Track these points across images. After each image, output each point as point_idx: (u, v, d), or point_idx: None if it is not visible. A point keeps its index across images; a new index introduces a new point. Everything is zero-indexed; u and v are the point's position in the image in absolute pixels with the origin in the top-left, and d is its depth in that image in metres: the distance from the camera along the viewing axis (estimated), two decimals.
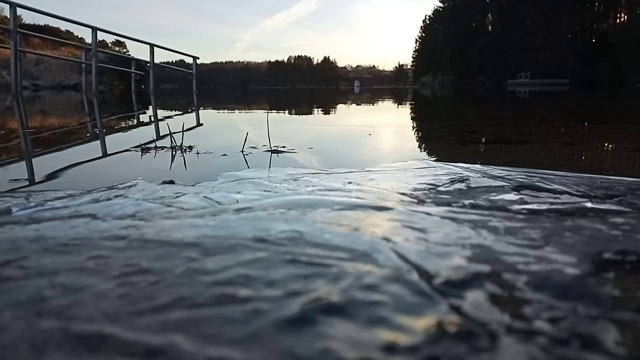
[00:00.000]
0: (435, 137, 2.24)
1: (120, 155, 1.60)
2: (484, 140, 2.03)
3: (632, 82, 22.87)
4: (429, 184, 0.97)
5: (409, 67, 68.88)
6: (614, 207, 0.65)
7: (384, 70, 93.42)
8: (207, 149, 1.68)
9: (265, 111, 4.59)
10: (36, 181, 1.14)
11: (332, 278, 0.37)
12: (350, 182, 1.02)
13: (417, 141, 2.19)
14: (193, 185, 0.99)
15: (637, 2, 31.63)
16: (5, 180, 1.12)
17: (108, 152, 1.71)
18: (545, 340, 0.27)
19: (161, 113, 4.27)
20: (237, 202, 0.78)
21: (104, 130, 2.59)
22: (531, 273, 0.38)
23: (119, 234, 0.48)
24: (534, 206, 0.71)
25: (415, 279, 0.37)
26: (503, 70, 37.02)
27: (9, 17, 7.20)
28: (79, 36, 28.69)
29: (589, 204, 0.68)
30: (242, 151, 1.62)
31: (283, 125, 2.86)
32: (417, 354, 0.26)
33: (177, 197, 0.84)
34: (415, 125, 3.21)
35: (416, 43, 57.86)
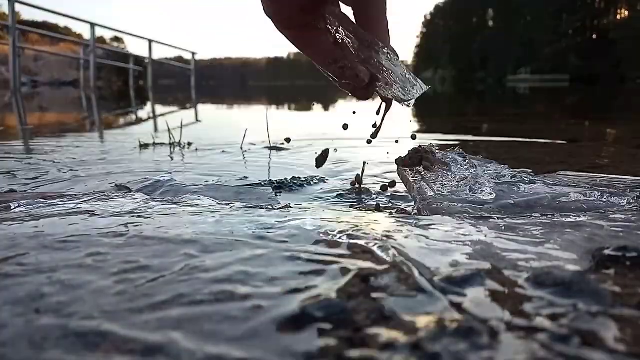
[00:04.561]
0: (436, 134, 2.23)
1: (118, 152, 1.60)
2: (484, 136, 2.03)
3: (633, 78, 22.82)
4: None
5: (409, 63, 68.73)
6: (615, 204, 0.65)
7: None
8: (206, 145, 1.68)
9: (264, 106, 4.58)
10: (34, 178, 1.13)
11: (333, 275, 0.37)
12: (349, 180, 1.02)
13: (418, 137, 2.18)
14: (192, 182, 0.99)
15: None
16: (4, 177, 1.12)
17: (106, 149, 1.70)
18: (545, 336, 0.27)
19: (160, 109, 4.26)
20: (236, 199, 0.78)
21: (102, 127, 2.59)
22: (532, 270, 0.38)
23: (118, 231, 0.48)
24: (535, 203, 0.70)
25: (415, 276, 0.36)
26: (504, 66, 36.94)
27: (7, 13, 7.18)
28: (78, 32, 28.62)
29: (589, 201, 0.68)
30: (242, 147, 1.61)
31: (282, 123, 2.85)
32: (417, 351, 0.26)
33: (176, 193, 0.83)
34: (415, 121, 3.21)
35: (417, 39, 57.74)
